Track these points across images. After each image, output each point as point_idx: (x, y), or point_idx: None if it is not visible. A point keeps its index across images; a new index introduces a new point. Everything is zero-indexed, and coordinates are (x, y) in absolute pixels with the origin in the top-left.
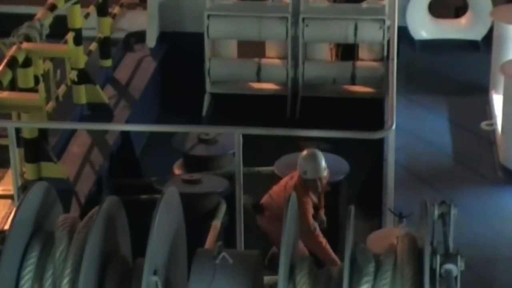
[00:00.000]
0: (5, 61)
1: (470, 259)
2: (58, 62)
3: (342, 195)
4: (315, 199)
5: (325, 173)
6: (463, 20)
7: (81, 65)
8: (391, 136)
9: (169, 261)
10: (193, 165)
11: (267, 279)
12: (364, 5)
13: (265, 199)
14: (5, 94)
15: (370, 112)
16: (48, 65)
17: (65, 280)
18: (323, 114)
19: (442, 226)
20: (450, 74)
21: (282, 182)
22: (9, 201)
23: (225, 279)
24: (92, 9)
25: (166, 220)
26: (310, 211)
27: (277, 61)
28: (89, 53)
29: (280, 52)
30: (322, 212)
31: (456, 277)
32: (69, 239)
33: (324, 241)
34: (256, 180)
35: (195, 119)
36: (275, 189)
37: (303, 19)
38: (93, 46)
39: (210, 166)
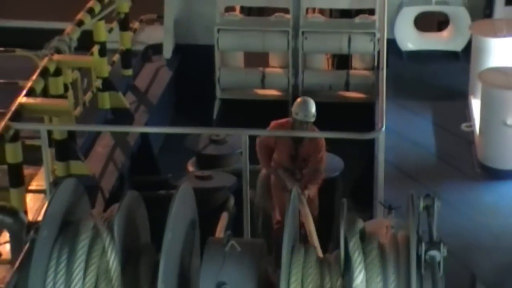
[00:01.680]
0: (38, 71)
1: (452, 247)
2: (84, 72)
3: (338, 189)
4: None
5: (312, 119)
6: (445, 33)
7: (105, 74)
8: (381, 137)
9: (183, 248)
10: (205, 163)
11: None
12: (356, 20)
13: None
14: (38, 100)
15: (362, 115)
16: (76, 74)
17: (92, 266)
18: (320, 117)
19: (426, 217)
20: (433, 81)
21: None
22: (41, 195)
23: (234, 264)
24: (115, 25)
25: (181, 212)
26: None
27: (279, 70)
28: (112, 63)
29: (282, 62)
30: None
31: (439, 263)
32: (89, 230)
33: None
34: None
35: (206, 122)
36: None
37: (303, 33)
38: (116, 57)
39: (219, 164)
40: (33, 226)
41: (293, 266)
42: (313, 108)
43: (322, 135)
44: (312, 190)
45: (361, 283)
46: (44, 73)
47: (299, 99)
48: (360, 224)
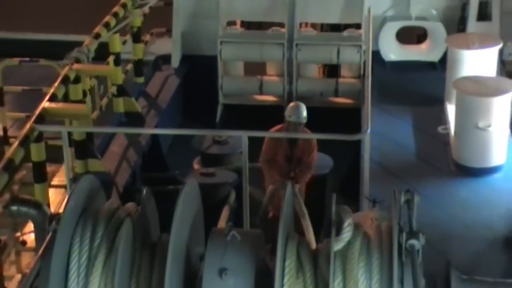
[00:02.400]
0: (59, 78)
1: (429, 236)
2: (101, 79)
3: (328, 185)
4: (287, 145)
5: (304, 121)
6: (423, 45)
7: (120, 81)
8: (366, 138)
9: (189, 238)
10: (209, 161)
11: None
12: (344, 33)
13: None
14: (59, 105)
15: (350, 119)
16: (93, 81)
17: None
18: (312, 121)
19: (407, 210)
20: (413, 88)
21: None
22: (62, 190)
23: (235, 252)
24: (128, 37)
25: (187, 205)
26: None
27: (275, 78)
28: (126, 72)
29: (278, 71)
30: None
31: (418, 250)
32: (109, 220)
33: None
34: (259, 173)
35: (210, 124)
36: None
37: (296, 45)
38: (129, 66)
39: (222, 162)
40: (55, 217)
41: (288, 253)
42: (304, 111)
43: (314, 137)
44: (301, 185)
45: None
46: (65, 81)
47: (291, 104)
48: (347, 214)
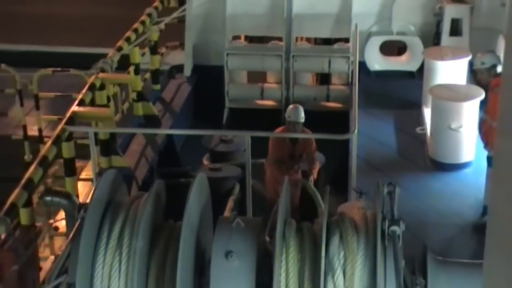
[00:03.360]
0: (86, 86)
1: (409, 223)
2: (123, 86)
3: (321, 178)
4: (290, 143)
5: (302, 120)
6: (403, 57)
7: (139, 88)
8: (354, 137)
9: (200, 224)
10: (216, 158)
11: None
12: (335, 46)
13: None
14: (87, 109)
15: (340, 121)
16: (116, 88)
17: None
18: (306, 122)
19: (389, 200)
20: (394, 94)
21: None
22: (89, 183)
23: (239, 237)
24: (146, 50)
25: (198, 196)
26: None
27: (274, 85)
28: (144, 80)
29: (277, 79)
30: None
31: (399, 236)
32: (129, 208)
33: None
34: (260, 168)
35: (217, 125)
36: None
37: (293, 56)
38: (147, 75)
39: (228, 159)
40: (83, 206)
41: (286, 237)
42: (302, 112)
43: (308, 136)
44: (314, 174)
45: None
46: (92, 88)
47: (291, 106)
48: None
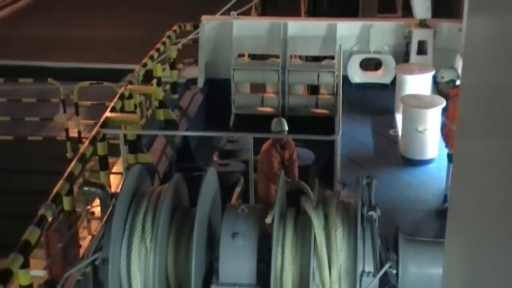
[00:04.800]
0: (117, 95)
1: (383, 209)
2: (147, 96)
3: (311, 173)
4: (279, 149)
5: (286, 129)
6: (379, 72)
7: (160, 97)
8: (338, 138)
9: (211, 210)
10: (224, 155)
11: None
12: (323, 63)
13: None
14: (117, 115)
15: (327, 124)
16: (142, 98)
17: (151, 221)
18: (299, 125)
19: (367, 190)
20: (372, 103)
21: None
22: (119, 176)
23: (243, 221)
24: (166, 66)
25: (209, 187)
26: (275, 157)
27: (273, 95)
28: (165, 90)
29: (275, 90)
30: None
31: (375, 219)
32: (150, 198)
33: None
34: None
35: (225, 128)
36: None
37: (288, 71)
38: (167, 86)
39: (234, 156)
40: (114, 195)
41: (284, 220)
42: (285, 124)
43: (301, 137)
44: (295, 173)
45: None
46: (121, 97)
47: (275, 119)
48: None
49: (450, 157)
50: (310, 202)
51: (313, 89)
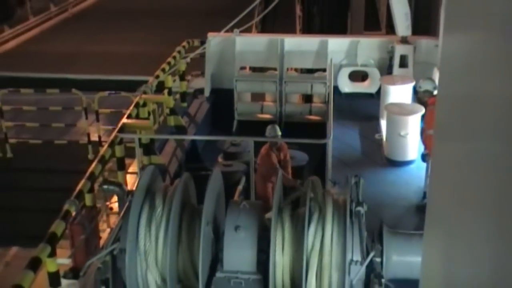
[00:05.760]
0: (133, 104)
1: (370, 205)
2: (159, 104)
3: (305, 173)
4: (275, 152)
5: (279, 134)
6: (366, 83)
7: (171, 105)
8: (330, 142)
9: (216, 206)
10: (228, 157)
11: None
12: (316, 74)
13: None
14: (133, 121)
15: (319, 129)
16: (155, 106)
17: (163, 215)
18: (295, 130)
19: (355, 188)
20: (359, 110)
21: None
22: (135, 175)
23: (245, 215)
24: (177, 77)
25: (214, 185)
26: (274, 158)
27: (271, 103)
28: (175, 99)
29: (273, 98)
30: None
31: (362, 214)
32: (164, 194)
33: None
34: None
35: (229, 133)
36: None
37: (285, 82)
38: (177, 96)
39: (236, 157)
40: (130, 193)
41: (281, 214)
42: (278, 130)
43: (296, 141)
44: (290, 172)
45: (318, 222)
46: (137, 105)
47: (269, 126)
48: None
49: (423, 157)
50: (305, 198)
51: (307, 98)
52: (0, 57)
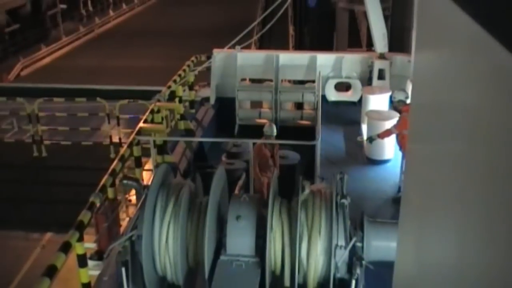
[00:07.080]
0: (148, 110)
1: (352, 198)
2: (171, 111)
3: (296, 170)
4: (269, 146)
5: (275, 133)
6: (349, 92)
7: (181, 112)
8: (318, 143)
9: (220, 199)
10: (230, 156)
11: None
12: (306, 85)
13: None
14: (149, 125)
15: (309, 133)
16: (167, 112)
17: (174, 206)
18: (288, 133)
19: (340, 183)
20: (343, 116)
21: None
22: (150, 172)
23: (245, 207)
24: (186, 88)
25: (219, 181)
26: (266, 151)
27: (268, 109)
28: (185, 107)
29: (269, 105)
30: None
31: (346, 206)
32: (175, 188)
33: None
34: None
35: (231, 135)
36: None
37: (279, 91)
38: (187, 103)
39: (238, 157)
40: (146, 187)
41: (275, 207)
42: (274, 128)
43: (289, 142)
44: (278, 164)
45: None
46: (151, 112)
47: (267, 123)
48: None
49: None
50: (297, 192)
51: (299, 105)
52: (37, 71)
